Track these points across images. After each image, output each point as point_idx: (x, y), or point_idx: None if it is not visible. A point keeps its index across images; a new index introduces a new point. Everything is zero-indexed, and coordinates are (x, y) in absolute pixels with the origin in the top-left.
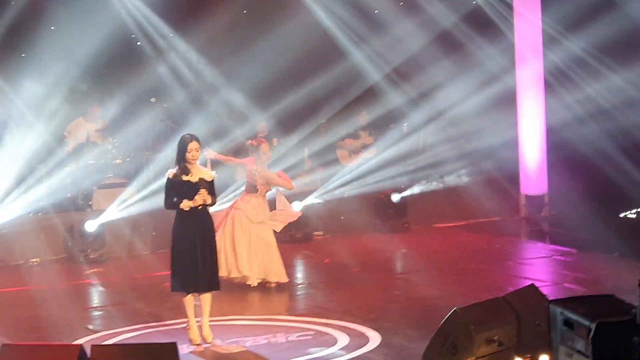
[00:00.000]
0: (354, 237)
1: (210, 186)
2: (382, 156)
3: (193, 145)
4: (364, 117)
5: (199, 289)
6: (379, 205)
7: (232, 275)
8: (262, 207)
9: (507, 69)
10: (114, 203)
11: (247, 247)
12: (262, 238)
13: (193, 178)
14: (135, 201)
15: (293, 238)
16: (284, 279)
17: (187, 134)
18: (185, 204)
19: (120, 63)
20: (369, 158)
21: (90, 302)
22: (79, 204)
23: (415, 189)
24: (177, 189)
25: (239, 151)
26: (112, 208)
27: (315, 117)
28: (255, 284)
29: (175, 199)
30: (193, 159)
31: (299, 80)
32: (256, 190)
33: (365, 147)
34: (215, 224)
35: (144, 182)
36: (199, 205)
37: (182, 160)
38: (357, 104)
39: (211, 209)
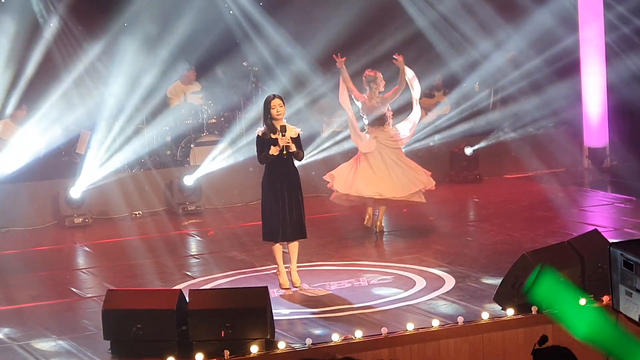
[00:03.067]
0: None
1: (297, 142)
2: (455, 112)
3: (276, 102)
4: (438, 79)
5: (286, 238)
6: (453, 158)
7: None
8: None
9: (569, 29)
10: (208, 158)
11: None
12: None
13: (276, 136)
14: (228, 155)
15: None
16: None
17: (271, 94)
18: (273, 150)
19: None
20: (443, 115)
21: (188, 251)
22: (178, 160)
23: (486, 143)
24: (267, 145)
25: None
26: (207, 163)
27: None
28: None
29: (262, 153)
30: (278, 115)
31: (368, 43)
32: (384, 122)
33: (439, 104)
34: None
35: (235, 138)
36: (284, 150)
37: (268, 117)
38: (428, 65)
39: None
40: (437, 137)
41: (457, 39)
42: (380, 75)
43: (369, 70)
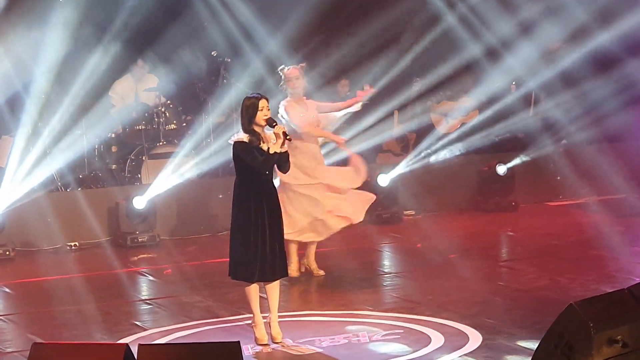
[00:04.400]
0: (451, 217)
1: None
2: (484, 118)
3: (263, 103)
4: (466, 79)
5: (265, 277)
6: (481, 178)
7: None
8: None
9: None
10: (164, 174)
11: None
12: None
13: (266, 146)
14: (190, 171)
15: (379, 218)
16: None
17: (253, 93)
18: (274, 147)
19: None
20: (469, 123)
21: (138, 294)
22: (126, 177)
23: (524, 158)
24: (255, 154)
25: None
26: (163, 180)
27: (408, 76)
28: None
29: (260, 157)
30: (265, 118)
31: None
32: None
33: (463, 109)
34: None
35: (200, 148)
36: (287, 136)
37: (251, 123)
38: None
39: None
40: (460, 151)
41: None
42: (297, 72)
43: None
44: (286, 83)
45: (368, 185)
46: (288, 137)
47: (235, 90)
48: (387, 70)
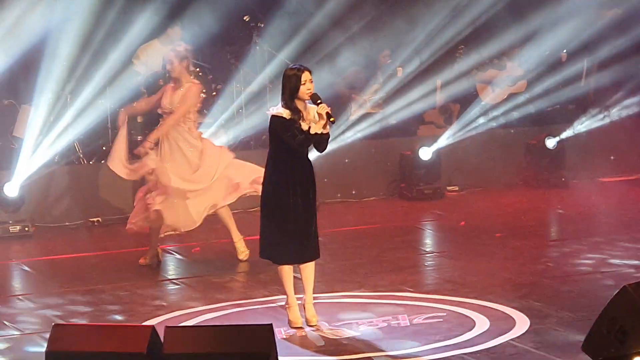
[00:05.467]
0: (498, 193)
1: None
2: (533, 88)
3: (306, 76)
4: (514, 46)
5: (301, 258)
6: (529, 152)
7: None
8: None
9: None
10: None
11: None
12: None
13: (306, 125)
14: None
15: (421, 194)
16: None
17: (294, 65)
18: (316, 127)
19: None
20: (518, 94)
21: (165, 273)
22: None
23: (575, 131)
24: (295, 132)
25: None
26: None
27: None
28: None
29: (300, 136)
30: (309, 93)
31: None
32: None
33: (510, 78)
34: None
35: (231, 120)
36: (330, 117)
37: (292, 97)
38: (504, 23)
39: None
40: (507, 123)
41: None
42: (173, 55)
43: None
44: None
45: (410, 159)
46: (332, 119)
47: (270, 58)
48: (430, 38)
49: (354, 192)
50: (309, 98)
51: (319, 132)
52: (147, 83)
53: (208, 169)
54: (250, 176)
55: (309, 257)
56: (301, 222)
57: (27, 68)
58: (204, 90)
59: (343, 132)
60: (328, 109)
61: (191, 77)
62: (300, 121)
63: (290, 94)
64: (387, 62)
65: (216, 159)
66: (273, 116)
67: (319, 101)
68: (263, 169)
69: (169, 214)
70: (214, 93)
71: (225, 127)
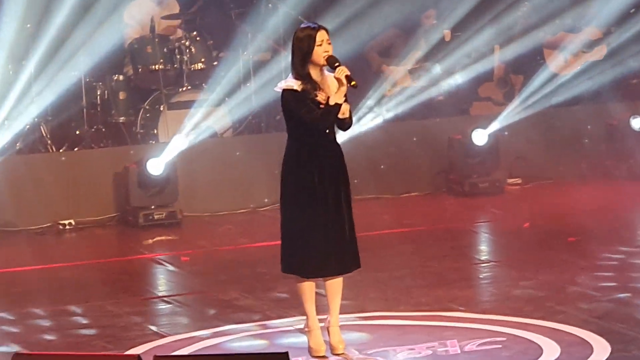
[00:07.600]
0: (570, 187)
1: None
2: (614, 55)
3: (322, 35)
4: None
5: (330, 270)
6: (609, 135)
7: None
8: None
9: None
10: (187, 129)
11: None
12: None
13: (324, 97)
14: (223, 124)
15: (475, 188)
16: None
17: (309, 23)
18: (336, 97)
19: None
20: (593, 61)
21: (153, 289)
22: (138, 133)
23: None
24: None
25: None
26: (186, 138)
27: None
28: None
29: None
30: (326, 56)
31: None
32: None
33: (588, 45)
34: None
35: (236, 93)
36: (351, 82)
37: (307, 61)
38: None
39: None
40: (580, 97)
41: None
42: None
43: None
44: None
45: (460, 145)
46: (353, 83)
47: (285, 18)
48: None
49: (390, 186)
50: (325, 62)
51: (340, 102)
52: (131, 49)
53: None
54: None
55: (348, 267)
56: (333, 222)
57: None
58: (202, 60)
59: (374, 110)
60: (347, 72)
61: None
62: (317, 92)
63: (302, 58)
64: (432, 23)
65: None
66: (284, 91)
67: (337, 64)
68: None
69: None
70: (215, 62)
71: (229, 104)
